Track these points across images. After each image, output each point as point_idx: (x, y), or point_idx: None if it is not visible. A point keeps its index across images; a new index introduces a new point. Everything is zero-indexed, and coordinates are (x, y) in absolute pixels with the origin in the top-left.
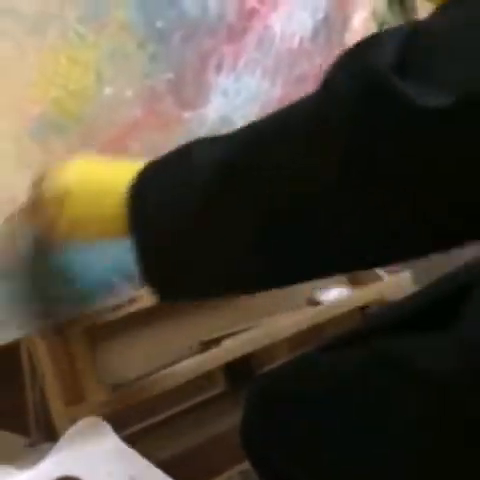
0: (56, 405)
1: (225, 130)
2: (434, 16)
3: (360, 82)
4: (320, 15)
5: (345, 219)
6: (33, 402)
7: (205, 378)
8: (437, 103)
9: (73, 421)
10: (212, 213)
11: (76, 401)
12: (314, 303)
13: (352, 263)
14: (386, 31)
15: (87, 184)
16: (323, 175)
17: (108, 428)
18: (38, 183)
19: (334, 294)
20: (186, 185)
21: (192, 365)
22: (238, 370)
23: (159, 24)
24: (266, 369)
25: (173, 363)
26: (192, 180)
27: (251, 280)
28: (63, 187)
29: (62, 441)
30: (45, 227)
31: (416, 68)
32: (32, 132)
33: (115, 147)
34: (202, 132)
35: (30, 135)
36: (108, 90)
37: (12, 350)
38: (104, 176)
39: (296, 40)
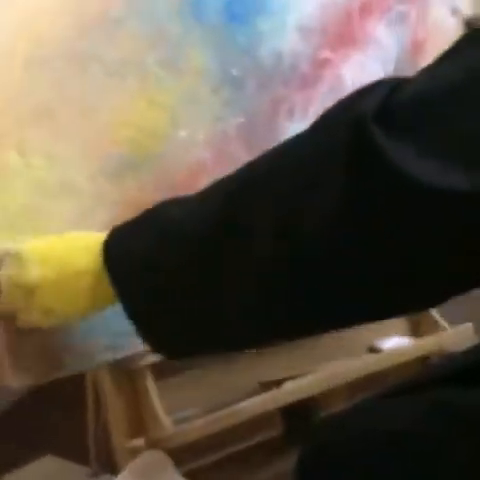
0: (118, 437)
1: None
2: (430, 69)
3: (345, 131)
4: (391, 66)
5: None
6: (94, 433)
7: (263, 419)
8: (450, 182)
9: (134, 454)
10: (210, 263)
11: (138, 434)
12: (375, 351)
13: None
14: (379, 81)
15: (54, 273)
16: (314, 223)
17: (169, 462)
18: None
19: (395, 343)
20: (168, 239)
21: (252, 405)
22: (296, 413)
23: (234, 71)
24: (324, 413)
25: (233, 402)
26: (172, 234)
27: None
28: (29, 279)
29: (124, 473)
30: (14, 311)
31: (404, 124)
32: (107, 171)
33: (186, 188)
34: None
35: (105, 174)
36: (181, 132)
37: (77, 380)
38: (69, 259)
39: None
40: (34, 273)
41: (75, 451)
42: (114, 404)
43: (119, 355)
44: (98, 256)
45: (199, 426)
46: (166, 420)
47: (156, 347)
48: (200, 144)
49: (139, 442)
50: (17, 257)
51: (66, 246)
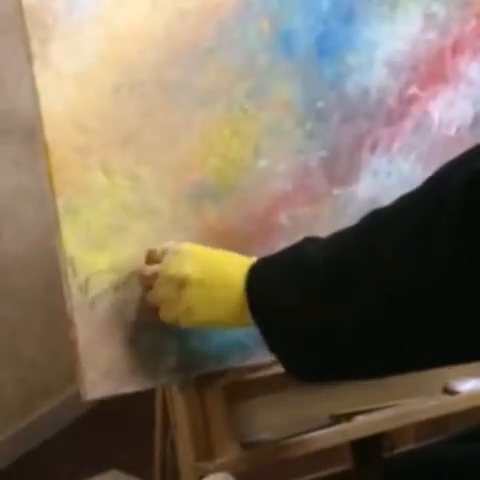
0: (185, 457)
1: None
2: None
3: (460, 178)
4: None
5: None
6: (161, 451)
7: (333, 452)
8: None
9: (200, 475)
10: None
11: (206, 457)
12: (450, 392)
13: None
14: None
15: (205, 276)
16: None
17: None
18: (153, 255)
19: (472, 385)
20: (298, 282)
21: (322, 437)
22: (366, 448)
23: (319, 104)
24: (394, 452)
25: (304, 432)
26: (305, 277)
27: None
28: (183, 273)
29: None
30: (160, 302)
31: None
32: (188, 197)
33: (265, 218)
34: (349, 210)
35: (186, 199)
36: (263, 162)
37: (145, 397)
38: (220, 271)
39: (454, 128)
40: (188, 269)
41: (140, 469)
42: (183, 424)
43: (191, 375)
44: (243, 279)
45: (268, 452)
46: (235, 443)
47: (286, 364)
48: (281, 175)
49: (206, 464)
50: (176, 253)
51: (219, 257)
